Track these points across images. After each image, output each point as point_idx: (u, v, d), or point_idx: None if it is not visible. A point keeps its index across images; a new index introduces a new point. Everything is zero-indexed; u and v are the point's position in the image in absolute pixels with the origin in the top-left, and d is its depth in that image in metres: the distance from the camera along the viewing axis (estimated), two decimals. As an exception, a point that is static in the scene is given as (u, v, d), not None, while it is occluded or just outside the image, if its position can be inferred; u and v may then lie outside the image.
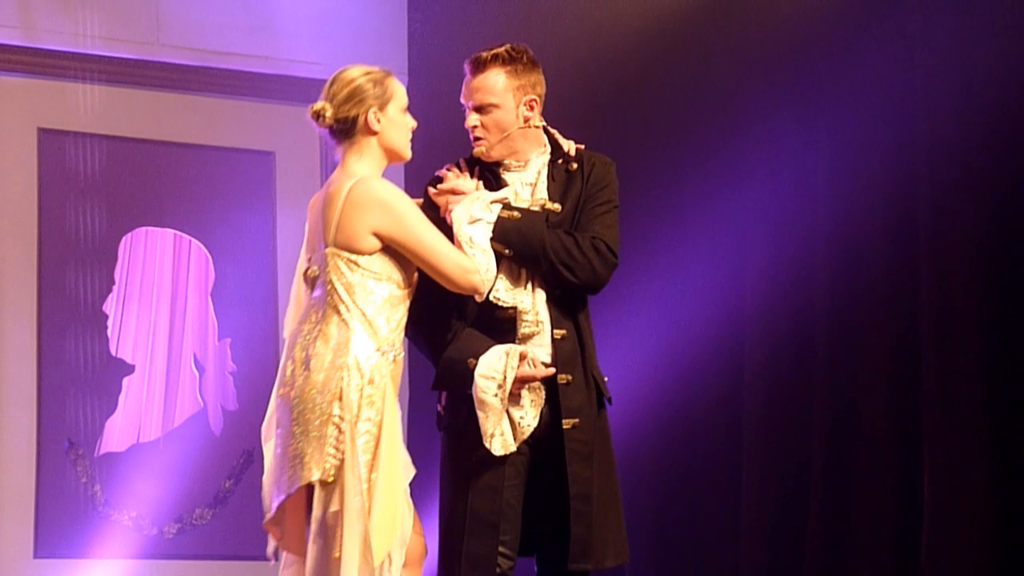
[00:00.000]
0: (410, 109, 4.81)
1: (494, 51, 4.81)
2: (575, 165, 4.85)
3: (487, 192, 4.78)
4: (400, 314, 4.69)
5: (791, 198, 6.27)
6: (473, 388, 4.64)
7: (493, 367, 4.64)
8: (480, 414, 4.64)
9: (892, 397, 5.94)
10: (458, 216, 4.70)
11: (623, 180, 4.92)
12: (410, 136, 4.80)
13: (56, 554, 7.31)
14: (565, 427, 4.70)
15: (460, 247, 4.66)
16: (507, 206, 4.75)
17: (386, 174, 4.80)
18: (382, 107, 4.72)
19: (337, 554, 4.50)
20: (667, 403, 6.62)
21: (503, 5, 7.07)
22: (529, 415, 4.69)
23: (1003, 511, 5.61)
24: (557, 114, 4.94)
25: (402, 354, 4.69)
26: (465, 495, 4.69)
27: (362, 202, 4.65)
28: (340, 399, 4.58)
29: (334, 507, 4.54)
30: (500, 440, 4.66)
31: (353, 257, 4.65)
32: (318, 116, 4.73)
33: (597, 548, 4.75)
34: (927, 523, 5.68)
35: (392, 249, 4.65)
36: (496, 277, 4.71)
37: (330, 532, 4.54)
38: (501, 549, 4.69)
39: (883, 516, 5.91)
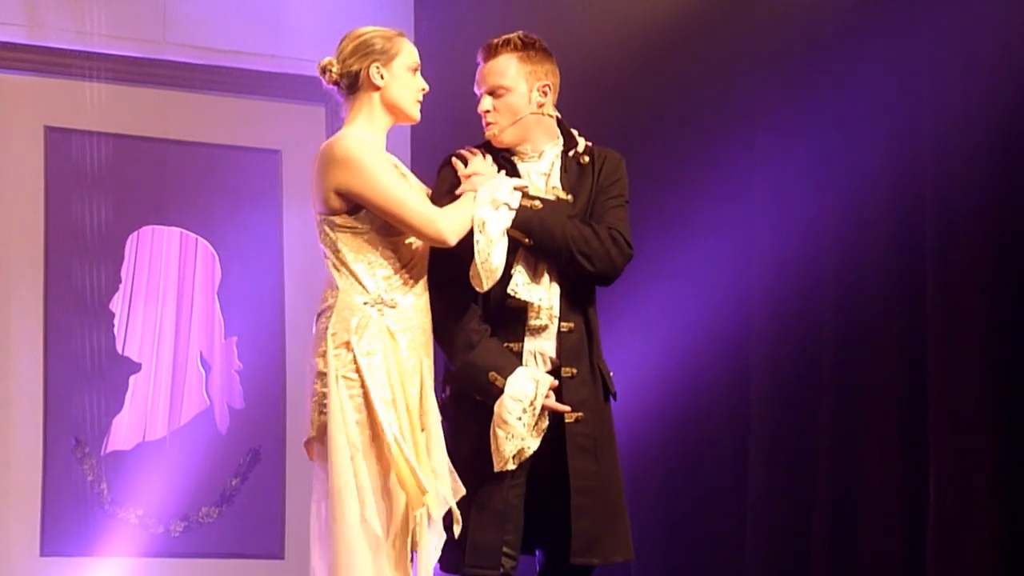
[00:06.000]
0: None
1: (506, 37, 4.82)
2: (587, 159, 4.85)
3: (510, 178, 4.75)
4: (390, 269, 4.61)
5: (797, 197, 6.27)
6: (498, 407, 4.62)
7: (523, 391, 4.63)
8: (500, 432, 4.63)
9: (898, 398, 5.93)
10: (481, 197, 4.66)
11: (630, 178, 4.92)
12: (419, 98, 4.74)
13: (62, 552, 7.31)
14: (568, 420, 4.69)
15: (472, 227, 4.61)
16: (527, 195, 4.73)
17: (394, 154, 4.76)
18: (386, 63, 4.68)
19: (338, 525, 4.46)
20: (674, 402, 6.62)
21: (509, 5, 7.07)
22: (530, 439, 4.65)
23: (1009, 511, 5.60)
24: (562, 113, 4.93)
25: (408, 302, 4.62)
26: (471, 486, 4.67)
27: (324, 161, 4.62)
28: (324, 356, 4.57)
29: (329, 465, 4.50)
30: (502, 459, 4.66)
31: (330, 218, 4.62)
32: (324, 71, 4.71)
33: (605, 543, 4.72)
34: (933, 524, 5.68)
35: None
36: (514, 271, 4.70)
37: (331, 492, 4.49)
38: (505, 549, 4.67)
39: (889, 516, 5.91)
